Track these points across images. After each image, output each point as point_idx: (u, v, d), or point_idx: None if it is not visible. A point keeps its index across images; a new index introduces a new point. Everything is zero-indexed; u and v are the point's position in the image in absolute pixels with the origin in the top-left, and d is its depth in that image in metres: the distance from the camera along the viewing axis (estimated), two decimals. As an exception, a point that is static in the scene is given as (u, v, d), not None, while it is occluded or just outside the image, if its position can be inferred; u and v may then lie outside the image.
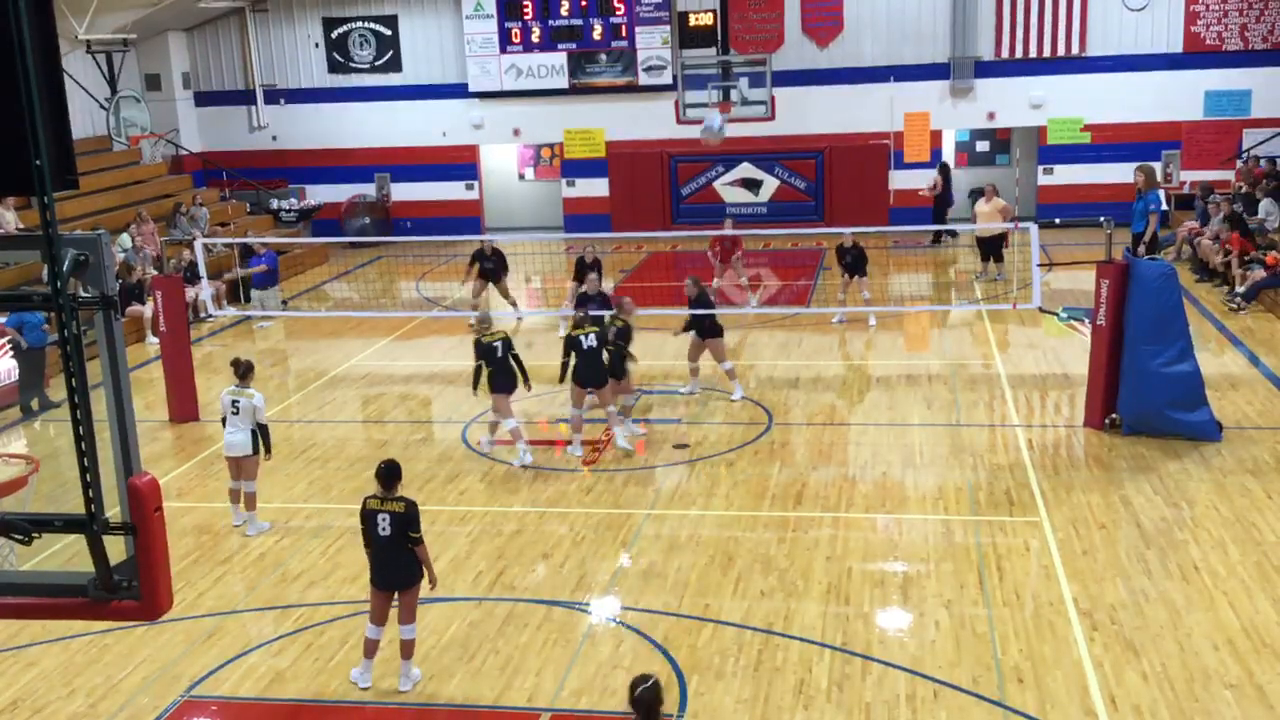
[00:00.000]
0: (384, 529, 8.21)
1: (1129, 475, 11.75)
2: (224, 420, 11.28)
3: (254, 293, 20.63)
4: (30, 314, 15.05)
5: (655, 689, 5.96)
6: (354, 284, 23.84)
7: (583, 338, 12.83)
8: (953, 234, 24.53)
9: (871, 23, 25.83)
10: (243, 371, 11.25)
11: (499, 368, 12.57)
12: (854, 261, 18.17)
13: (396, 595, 8.33)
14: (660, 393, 15.07)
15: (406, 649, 8.40)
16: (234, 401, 11.07)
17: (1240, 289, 18.17)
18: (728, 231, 19.63)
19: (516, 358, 12.65)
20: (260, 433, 11.11)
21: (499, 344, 12.58)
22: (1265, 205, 19.59)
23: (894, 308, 19.01)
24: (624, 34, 26.16)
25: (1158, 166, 24.11)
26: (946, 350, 16.92)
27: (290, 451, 13.59)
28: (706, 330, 14.57)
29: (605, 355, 12.96)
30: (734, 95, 24.33)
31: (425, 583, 8.35)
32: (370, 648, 8.46)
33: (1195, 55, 24.88)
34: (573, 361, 12.82)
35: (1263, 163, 22.63)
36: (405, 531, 8.18)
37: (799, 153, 26.29)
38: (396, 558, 8.24)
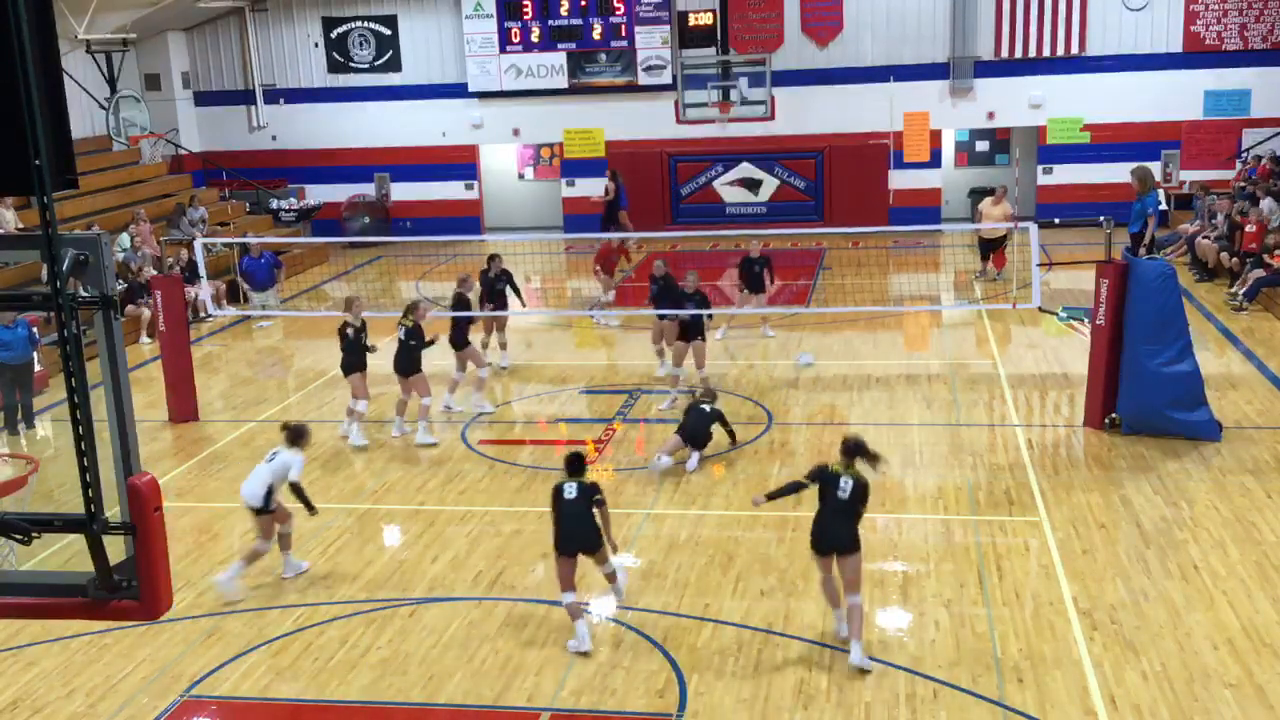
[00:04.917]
0: (570, 494, 8.95)
1: (1129, 475, 11.75)
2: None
3: (253, 294, 20.66)
4: (5, 330, 14.05)
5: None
6: (354, 284, 23.82)
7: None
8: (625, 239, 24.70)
9: (871, 23, 25.83)
10: (295, 436, 10.27)
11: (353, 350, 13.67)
12: (761, 273, 16.91)
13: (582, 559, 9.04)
14: (660, 393, 15.06)
15: (611, 576, 9.36)
16: (273, 453, 10.21)
17: (1240, 289, 18.16)
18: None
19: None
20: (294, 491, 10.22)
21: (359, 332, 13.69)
22: (1267, 204, 19.56)
23: (894, 308, 19.01)
24: (624, 34, 26.16)
25: (1156, 166, 24.13)
26: (946, 350, 16.92)
27: (290, 451, 13.59)
28: (691, 330, 14.42)
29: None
30: (734, 95, 24.42)
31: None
32: (574, 611, 8.90)
33: (1195, 55, 24.89)
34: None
35: (1264, 161, 22.61)
36: (591, 497, 8.96)
37: (799, 153, 26.29)
38: (581, 522, 8.92)
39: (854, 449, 8.56)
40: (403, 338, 13.52)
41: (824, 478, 8.53)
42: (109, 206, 22.71)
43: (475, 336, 16.07)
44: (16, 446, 13.94)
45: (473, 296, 15.14)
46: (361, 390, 13.57)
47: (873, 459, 8.66)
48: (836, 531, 8.44)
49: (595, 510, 8.93)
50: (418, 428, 13.55)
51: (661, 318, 15.15)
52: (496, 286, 16.12)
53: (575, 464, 9.18)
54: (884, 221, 24.79)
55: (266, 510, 9.96)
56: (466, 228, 27.30)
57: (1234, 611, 8.93)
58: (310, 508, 10.12)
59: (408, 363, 13.49)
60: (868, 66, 25.91)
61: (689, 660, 8.61)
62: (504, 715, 8.11)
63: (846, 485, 8.42)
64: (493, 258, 16.35)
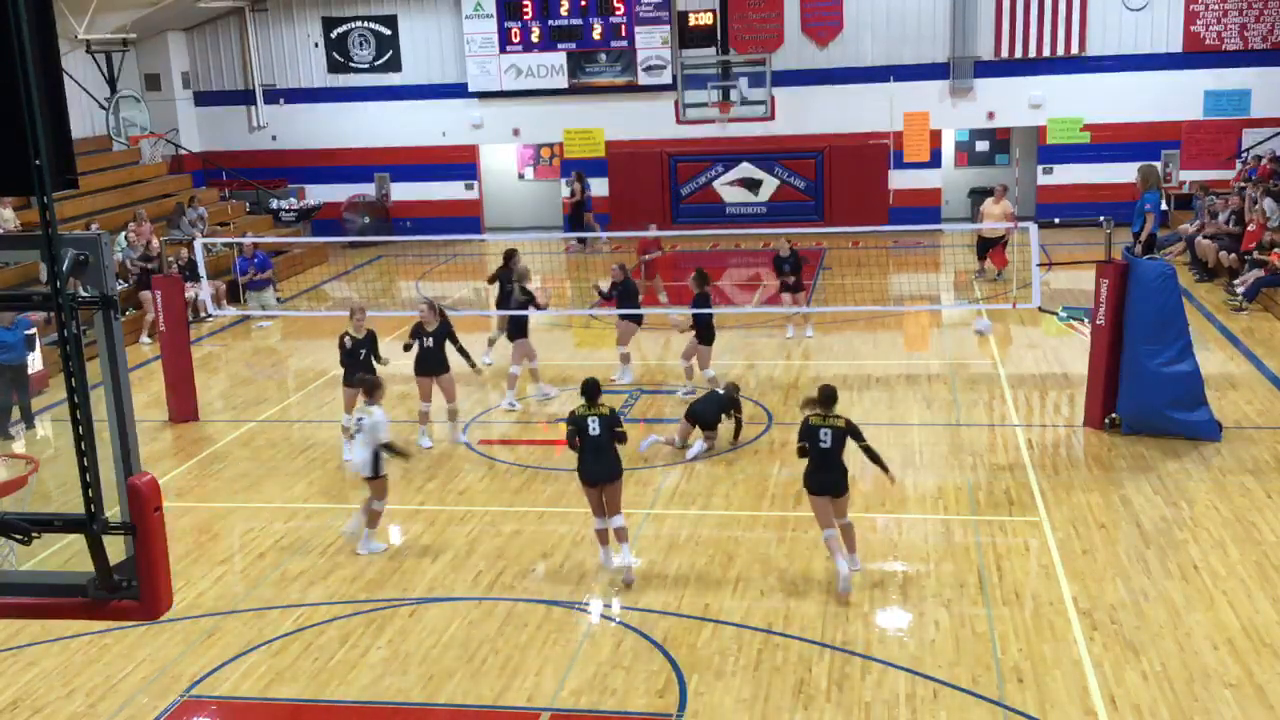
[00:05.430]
0: (594, 429, 9.55)
1: (1129, 475, 11.75)
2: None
3: (250, 294, 20.65)
4: (6, 331, 13.96)
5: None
6: (354, 284, 23.83)
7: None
8: (599, 238, 24.99)
9: (871, 23, 25.83)
10: (369, 389, 10.75)
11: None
12: (793, 272, 17.16)
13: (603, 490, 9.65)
14: (663, 392, 15.06)
15: (621, 535, 9.80)
16: (358, 419, 10.62)
17: (1240, 288, 18.15)
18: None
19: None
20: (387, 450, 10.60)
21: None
22: (1268, 205, 19.56)
23: (894, 307, 19.00)
24: (624, 34, 26.16)
25: (1158, 166, 24.11)
26: (946, 350, 16.92)
27: (290, 451, 13.60)
28: (702, 335, 14.42)
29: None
30: (734, 95, 24.41)
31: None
32: (602, 536, 9.86)
33: (1195, 55, 24.89)
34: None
35: (1264, 161, 22.59)
36: (612, 429, 9.59)
37: (799, 153, 26.28)
38: (603, 455, 9.58)
39: (825, 398, 9.47)
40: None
41: (808, 435, 9.43)
42: (109, 206, 22.70)
43: (486, 335, 16.20)
44: (30, 434, 13.98)
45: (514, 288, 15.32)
46: (352, 404, 13.13)
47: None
48: (824, 478, 9.42)
49: (615, 441, 9.58)
50: (417, 431, 13.58)
51: (624, 318, 15.49)
52: (506, 286, 15.88)
53: (593, 390, 9.72)
54: (884, 221, 24.79)
55: (376, 476, 10.53)
56: (466, 228, 27.30)
57: (1234, 611, 8.93)
58: (403, 455, 10.88)
59: (415, 364, 13.49)
60: (868, 66, 25.90)
61: (689, 660, 8.61)
62: (504, 715, 8.11)
63: (826, 435, 9.33)
64: (510, 255, 16.22)
